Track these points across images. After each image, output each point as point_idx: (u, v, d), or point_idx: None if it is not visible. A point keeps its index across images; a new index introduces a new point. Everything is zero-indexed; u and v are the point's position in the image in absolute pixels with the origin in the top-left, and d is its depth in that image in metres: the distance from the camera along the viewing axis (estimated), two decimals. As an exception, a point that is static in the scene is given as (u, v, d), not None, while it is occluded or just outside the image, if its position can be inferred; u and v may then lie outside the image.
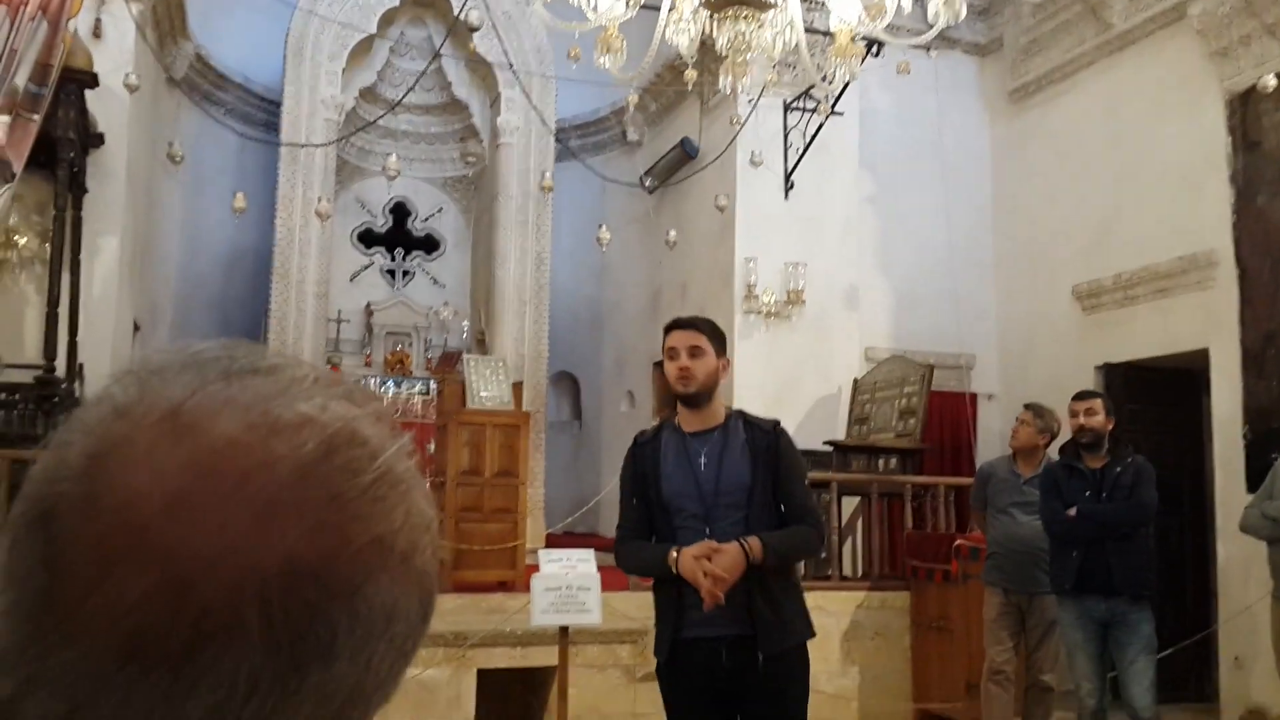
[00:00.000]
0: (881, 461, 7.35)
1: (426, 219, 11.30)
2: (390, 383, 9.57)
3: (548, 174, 8.88)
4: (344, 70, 9.68)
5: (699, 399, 3.00)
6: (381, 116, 8.69)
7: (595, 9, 5.03)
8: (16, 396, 6.20)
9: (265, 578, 0.43)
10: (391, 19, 10.09)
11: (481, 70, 10.35)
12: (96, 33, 7.26)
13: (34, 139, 6.28)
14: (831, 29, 4.99)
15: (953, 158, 8.99)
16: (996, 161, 9.39)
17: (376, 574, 0.46)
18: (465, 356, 7.34)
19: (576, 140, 10.82)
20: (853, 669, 6.39)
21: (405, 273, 11.21)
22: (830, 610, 6.21)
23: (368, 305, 10.70)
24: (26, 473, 0.48)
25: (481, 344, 10.08)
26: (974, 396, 8.93)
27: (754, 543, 2.81)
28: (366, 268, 11.07)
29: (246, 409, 0.46)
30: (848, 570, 7.07)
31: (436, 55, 8.97)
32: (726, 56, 4.84)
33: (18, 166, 6.21)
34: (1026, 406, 5.51)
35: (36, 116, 6.33)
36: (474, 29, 8.38)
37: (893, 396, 7.82)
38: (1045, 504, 4.92)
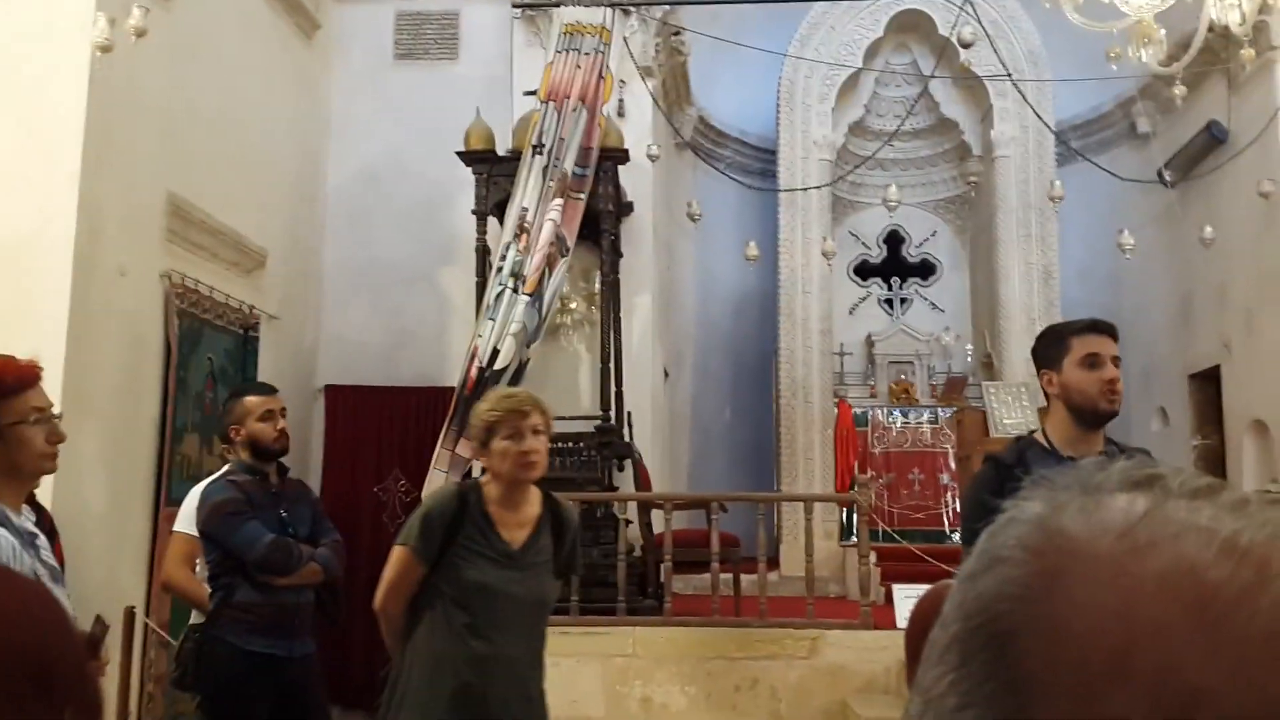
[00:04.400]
0: None
1: (920, 244, 11.17)
2: (897, 412, 9.51)
3: (1057, 183, 8.34)
4: (833, 109, 9.90)
5: (1109, 419, 2.59)
6: (879, 149, 8.72)
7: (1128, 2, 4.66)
8: (580, 444, 6.98)
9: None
10: (875, 50, 10.15)
11: (970, 85, 10.06)
12: (620, 112, 8.05)
13: (581, 215, 7.08)
14: None
15: None
16: None
17: None
18: (985, 384, 7.09)
19: (1077, 141, 10.12)
20: None
21: (903, 300, 11.15)
22: None
23: (868, 336, 10.76)
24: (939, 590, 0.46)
25: (988, 367, 9.70)
26: None
27: None
28: (864, 299, 11.16)
29: (1205, 533, 0.42)
30: None
31: (929, 77, 8.85)
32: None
33: (571, 242, 7.02)
34: None
35: (582, 195, 7.13)
36: (968, 45, 8.14)
37: None
38: None
